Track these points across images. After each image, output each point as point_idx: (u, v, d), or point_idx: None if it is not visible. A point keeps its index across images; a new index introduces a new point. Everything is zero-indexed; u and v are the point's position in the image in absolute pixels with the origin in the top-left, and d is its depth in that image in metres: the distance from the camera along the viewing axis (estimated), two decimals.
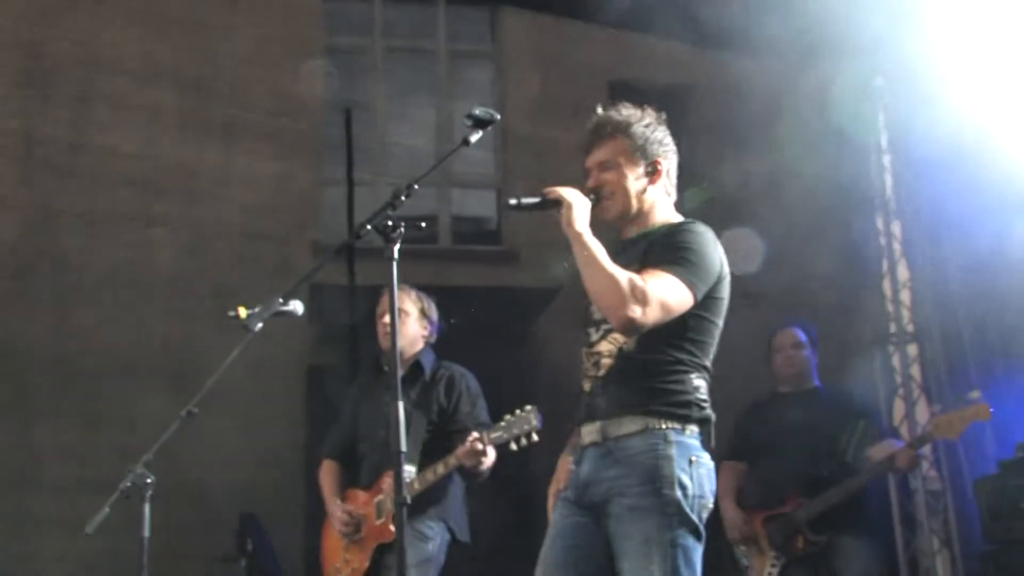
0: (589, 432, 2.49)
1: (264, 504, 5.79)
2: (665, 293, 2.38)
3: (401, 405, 2.41)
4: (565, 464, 2.62)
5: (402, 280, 7.19)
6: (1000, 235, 5.44)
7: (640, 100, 2.69)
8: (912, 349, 6.40)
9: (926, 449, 5.51)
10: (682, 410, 2.44)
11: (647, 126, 2.68)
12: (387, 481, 3.68)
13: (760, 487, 4.39)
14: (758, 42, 5.11)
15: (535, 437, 3.42)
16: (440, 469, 3.65)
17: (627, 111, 2.69)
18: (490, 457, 3.62)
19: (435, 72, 7.68)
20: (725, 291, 2.58)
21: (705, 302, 2.49)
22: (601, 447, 2.45)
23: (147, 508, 3.56)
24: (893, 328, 6.42)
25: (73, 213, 6.32)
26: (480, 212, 7.96)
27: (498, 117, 2.74)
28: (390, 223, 2.52)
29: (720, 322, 2.59)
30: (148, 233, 6.46)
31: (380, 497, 3.74)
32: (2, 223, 6.20)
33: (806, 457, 4.52)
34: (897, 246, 6.43)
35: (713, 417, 2.52)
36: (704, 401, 2.52)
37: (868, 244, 6.43)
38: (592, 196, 2.58)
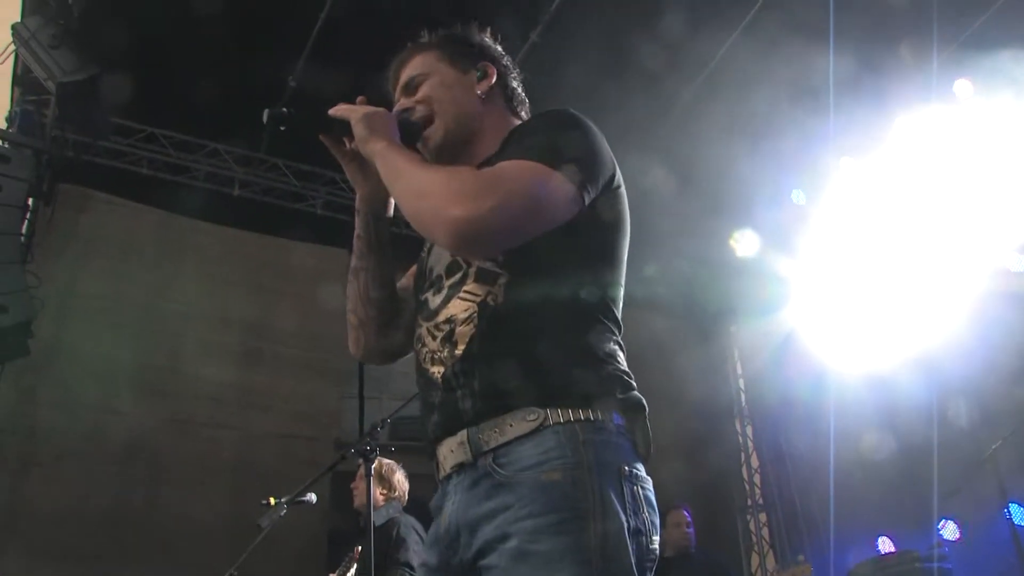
0: (451, 451, 1.50)
1: None
2: (518, 177, 1.40)
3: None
4: None
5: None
6: (817, 432, 6.87)
7: None
8: (762, 516, 7.81)
9: None
10: (598, 388, 1.42)
11: (462, 33, 1.80)
12: None
13: None
14: None
15: None
16: None
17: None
18: None
19: None
20: (625, 204, 1.55)
21: (604, 211, 1.49)
22: (472, 470, 1.46)
23: None
24: (749, 501, 7.88)
25: (165, 419, 7.29)
26: None
27: None
28: (368, 448, 3.13)
29: (625, 250, 1.56)
30: (216, 433, 7.42)
31: None
32: (118, 426, 7.10)
33: None
34: (750, 442, 8.06)
35: (646, 404, 1.48)
36: (628, 375, 1.49)
37: (728, 440, 8.08)
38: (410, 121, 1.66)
